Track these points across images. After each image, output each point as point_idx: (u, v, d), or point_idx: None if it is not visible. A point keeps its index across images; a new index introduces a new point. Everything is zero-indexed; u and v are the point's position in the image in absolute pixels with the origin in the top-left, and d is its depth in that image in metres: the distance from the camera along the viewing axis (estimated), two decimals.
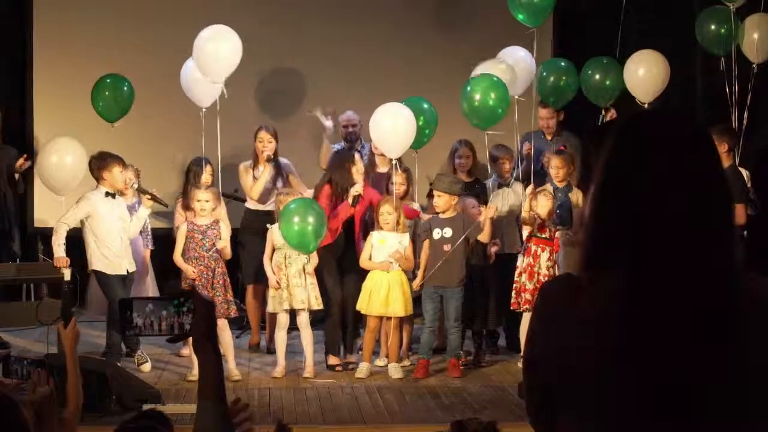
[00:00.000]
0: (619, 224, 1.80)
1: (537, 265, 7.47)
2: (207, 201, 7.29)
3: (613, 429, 1.76)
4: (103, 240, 7.31)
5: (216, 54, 7.59)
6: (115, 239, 7.34)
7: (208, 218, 7.35)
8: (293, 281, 7.27)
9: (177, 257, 7.32)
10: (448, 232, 7.38)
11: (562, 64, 8.18)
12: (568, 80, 8.04)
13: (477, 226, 7.39)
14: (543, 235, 7.51)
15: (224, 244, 7.35)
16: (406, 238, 7.41)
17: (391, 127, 7.52)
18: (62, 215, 7.36)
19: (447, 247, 7.38)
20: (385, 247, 7.38)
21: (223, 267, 7.34)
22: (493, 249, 7.71)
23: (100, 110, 7.93)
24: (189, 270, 7.24)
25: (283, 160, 8.16)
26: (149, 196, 7.48)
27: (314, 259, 7.34)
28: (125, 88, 8.02)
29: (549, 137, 8.51)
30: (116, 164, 7.38)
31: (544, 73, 8.04)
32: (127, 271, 7.43)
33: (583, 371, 1.77)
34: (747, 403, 1.74)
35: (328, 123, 8.51)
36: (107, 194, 7.36)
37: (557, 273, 7.39)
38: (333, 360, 7.54)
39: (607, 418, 1.76)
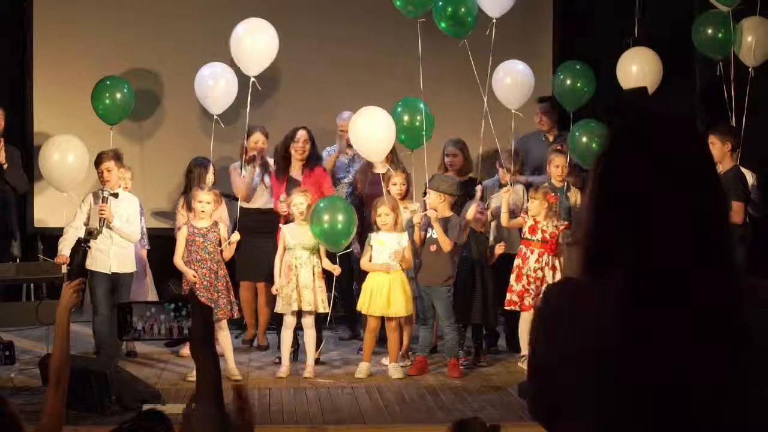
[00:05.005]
0: (618, 225, 1.80)
1: (525, 267, 7.52)
2: (208, 203, 7.29)
3: (613, 430, 1.76)
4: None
5: (252, 47, 7.65)
6: (105, 237, 7.24)
7: (208, 220, 7.35)
8: (302, 282, 7.28)
9: (178, 260, 7.31)
10: (435, 231, 7.40)
11: (578, 67, 8.19)
12: (584, 83, 8.04)
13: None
14: (534, 237, 7.53)
15: (237, 237, 7.36)
16: (404, 238, 7.41)
17: (369, 131, 7.53)
18: (71, 220, 7.36)
19: (433, 248, 7.40)
20: (383, 248, 7.39)
21: (224, 269, 7.35)
22: (499, 250, 7.72)
23: (101, 113, 7.95)
24: (189, 273, 7.23)
25: (270, 160, 8.20)
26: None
27: (335, 268, 7.36)
28: (125, 91, 8.03)
29: (551, 138, 8.53)
30: (107, 160, 7.35)
31: (561, 76, 8.05)
32: (114, 272, 7.28)
33: (584, 373, 1.77)
34: (747, 404, 1.74)
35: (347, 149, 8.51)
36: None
37: (546, 275, 7.45)
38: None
39: (607, 419, 1.76)
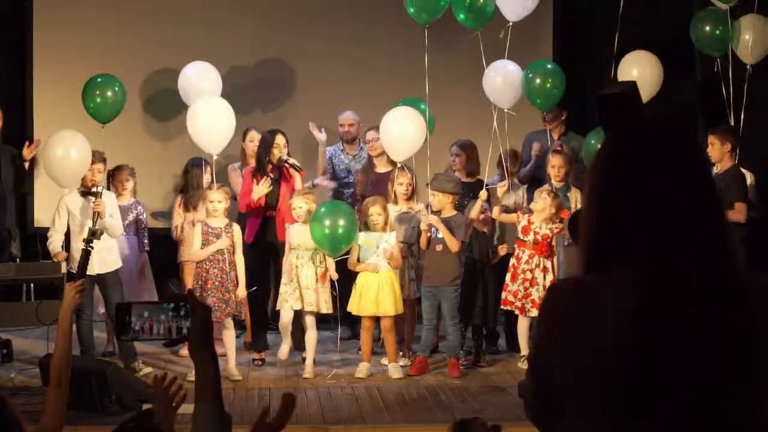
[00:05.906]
0: (618, 226, 1.80)
1: (519, 267, 7.53)
2: (220, 201, 7.29)
3: (613, 430, 1.76)
4: (74, 238, 7.25)
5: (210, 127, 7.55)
6: (80, 237, 7.21)
7: (222, 219, 7.35)
8: (305, 282, 7.27)
9: (197, 253, 7.26)
10: (441, 233, 7.40)
11: (548, 66, 8.17)
12: (554, 82, 8.02)
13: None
14: (526, 238, 7.53)
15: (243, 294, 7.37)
16: (392, 237, 7.41)
17: (401, 131, 7.55)
18: (52, 226, 7.39)
19: (439, 247, 7.40)
20: (371, 248, 7.38)
21: (236, 270, 7.34)
22: (502, 252, 7.72)
23: (91, 111, 7.90)
24: (225, 242, 7.18)
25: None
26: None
27: (334, 274, 7.36)
28: (116, 89, 7.97)
29: (557, 137, 8.52)
30: (98, 161, 7.37)
31: (530, 75, 8.00)
32: (98, 274, 7.25)
33: (583, 372, 1.77)
34: (747, 404, 1.74)
35: (322, 136, 8.53)
36: (84, 194, 7.31)
37: (536, 277, 7.44)
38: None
39: (606, 419, 1.76)
